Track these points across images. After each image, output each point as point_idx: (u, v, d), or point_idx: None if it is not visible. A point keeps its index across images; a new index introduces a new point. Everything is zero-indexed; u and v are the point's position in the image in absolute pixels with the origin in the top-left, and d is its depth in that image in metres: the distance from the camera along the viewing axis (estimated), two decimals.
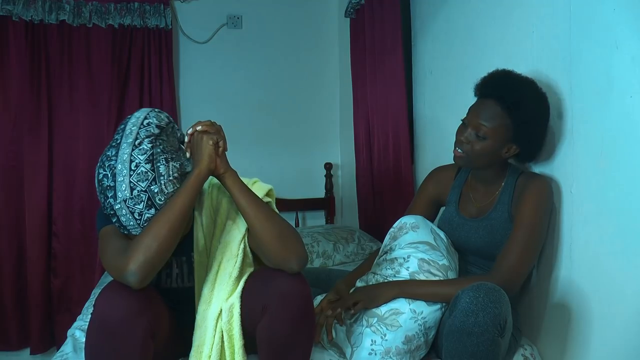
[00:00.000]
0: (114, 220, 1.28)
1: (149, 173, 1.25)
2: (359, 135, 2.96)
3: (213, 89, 3.21)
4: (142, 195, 1.25)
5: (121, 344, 1.18)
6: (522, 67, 1.58)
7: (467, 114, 1.57)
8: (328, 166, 3.35)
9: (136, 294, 1.21)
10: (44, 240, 2.85)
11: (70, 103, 2.89)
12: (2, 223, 2.80)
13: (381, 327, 1.44)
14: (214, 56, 3.21)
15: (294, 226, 3.12)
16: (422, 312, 1.44)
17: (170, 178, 1.28)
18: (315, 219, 3.39)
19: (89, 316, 1.24)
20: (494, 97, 1.51)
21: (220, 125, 1.37)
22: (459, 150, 1.57)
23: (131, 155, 1.25)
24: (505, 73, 1.56)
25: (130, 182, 1.24)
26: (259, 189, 1.45)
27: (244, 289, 1.34)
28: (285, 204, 3.14)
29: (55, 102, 2.88)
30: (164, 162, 1.28)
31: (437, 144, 2.29)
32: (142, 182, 1.25)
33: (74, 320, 1.89)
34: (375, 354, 1.43)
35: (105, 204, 1.27)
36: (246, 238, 1.40)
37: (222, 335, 1.32)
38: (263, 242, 1.31)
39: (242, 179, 1.44)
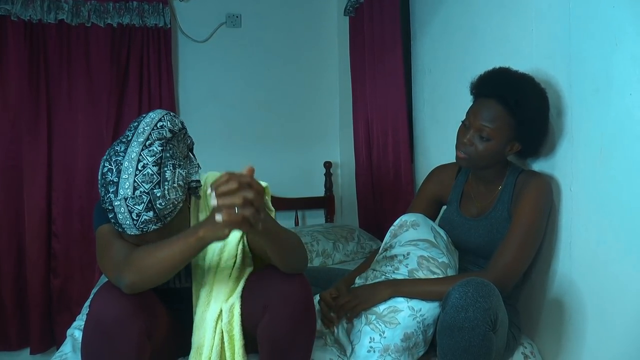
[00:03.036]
0: (110, 216, 1.25)
1: (154, 176, 1.22)
2: (359, 134, 2.96)
3: (212, 88, 3.21)
4: (143, 196, 1.21)
5: (116, 344, 1.18)
6: (521, 65, 1.58)
7: (468, 115, 1.56)
8: (328, 165, 3.34)
9: (132, 295, 1.21)
10: (44, 240, 2.84)
11: (69, 102, 2.89)
12: (2, 223, 2.79)
13: (380, 325, 1.44)
14: (213, 55, 3.20)
15: (293, 226, 3.15)
16: (420, 310, 1.44)
17: (175, 185, 1.24)
18: (315, 218, 3.39)
19: None
20: (494, 96, 1.50)
21: (255, 188, 1.08)
22: (462, 152, 1.56)
23: (140, 154, 1.22)
24: (503, 71, 1.55)
25: (134, 181, 1.21)
26: None
27: (244, 288, 1.34)
28: (284, 203, 3.13)
29: (54, 102, 2.87)
30: (171, 167, 1.24)
31: (437, 143, 2.29)
32: (147, 183, 1.21)
33: (74, 320, 1.89)
34: (374, 352, 1.42)
35: (105, 198, 1.24)
36: (245, 238, 1.39)
37: (222, 336, 1.32)
38: (277, 264, 1.29)
39: (236, 174, 1.45)
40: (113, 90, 2.91)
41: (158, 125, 1.27)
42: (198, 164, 1.38)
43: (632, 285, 1.28)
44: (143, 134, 1.25)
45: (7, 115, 2.80)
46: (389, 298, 1.46)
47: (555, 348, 1.54)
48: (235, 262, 1.36)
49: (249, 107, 3.26)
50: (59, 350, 1.61)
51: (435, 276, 1.48)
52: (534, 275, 1.63)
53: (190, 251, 1.16)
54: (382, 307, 1.46)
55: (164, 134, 1.26)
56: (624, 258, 1.30)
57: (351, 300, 1.49)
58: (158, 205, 1.22)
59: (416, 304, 1.44)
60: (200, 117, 3.11)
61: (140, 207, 1.21)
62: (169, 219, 1.24)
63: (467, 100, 1.61)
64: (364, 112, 2.87)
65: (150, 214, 1.22)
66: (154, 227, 1.22)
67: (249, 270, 1.39)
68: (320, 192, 3.36)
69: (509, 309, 1.48)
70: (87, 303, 2.01)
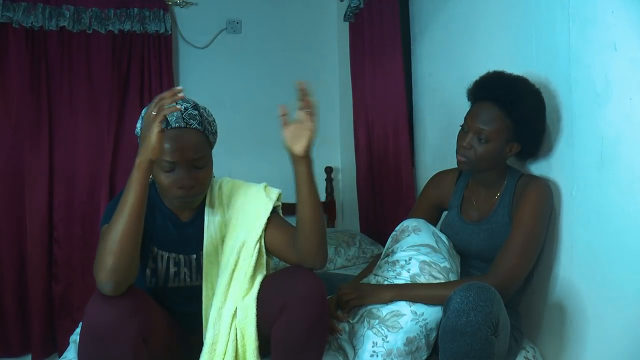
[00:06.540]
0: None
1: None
2: (359, 139, 2.96)
3: (213, 94, 3.19)
4: (189, 101, 1.45)
5: (111, 349, 1.18)
6: (521, 70, 1.59)
7: (466, 119, 1.58)
8: (329, 170, 3.35)
9: (125, 299, 1.21)
10: (45, 246, 2.85)
11: (70, 109, 2.90)
12: (3, 229, 2.79)
13: (382, 329, 1.44)
14: (213, 61, 3.21)
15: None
16: (423, 314, 1.44)
17: (210, 118, 1.49)
18: None
19: None
20: (490, 99, 1.52)
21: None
22: (462, 156, 1.57)
23: None
24: (497, 74, 1.57)
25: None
26: (271, 192, 1.52)
27: (261, 288, 1.35)
28: (286, 208, 3.11)
29: (55, 108, 2.88)
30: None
31: (438, 147, 2.30)
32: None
33: (76, 326, 1.88)
34: (377, 356, 1.43)
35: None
36: (263, 239, 1.42)
37: (237, 333, 1.34)
38: (308, 231, 1.35)
39: (251, 184, 1.50)
40: (114, 96, 2.92)
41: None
42: None
43: (632, 290, 1.28)
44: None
45: (8, 121, 2.81)
46: (391, 301, 1.47)
47: (557, 352, 1.54)
48: (251, 261, 1.39)
49: (250, 112, 3.27)
50: (62, 356, 1.61)
51: (437, 281, 1.49)
52: (535, 279, 1.64)
53: (136, 186, 1.21)
54: (384, 312, 1.46)
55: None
56: (625, 262, 1.30)
57: (352, 293, 1.52)
58: (201, 110, 1.41)
59: (419, 308, 1.45)
60: None
61: (188, 104, 1.40)
62: (208, 129, 1.40)
63: (467, 105, 1.62)
64: (364, 116, 2.88)
65: (196, 112, 1.39)
66: (195, 124, 1.36)
67: (262, 271, 1.42)
68: (321, 197, 3.36)
69: (511, 313, 1.48)
70: None
